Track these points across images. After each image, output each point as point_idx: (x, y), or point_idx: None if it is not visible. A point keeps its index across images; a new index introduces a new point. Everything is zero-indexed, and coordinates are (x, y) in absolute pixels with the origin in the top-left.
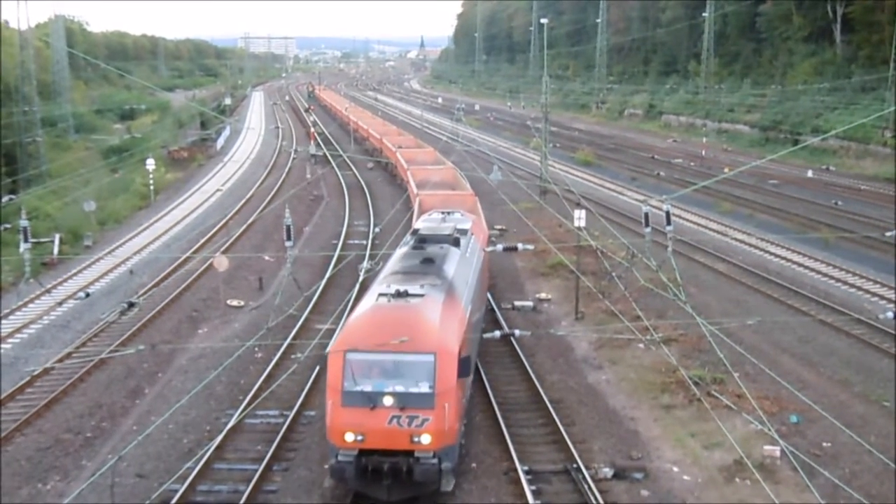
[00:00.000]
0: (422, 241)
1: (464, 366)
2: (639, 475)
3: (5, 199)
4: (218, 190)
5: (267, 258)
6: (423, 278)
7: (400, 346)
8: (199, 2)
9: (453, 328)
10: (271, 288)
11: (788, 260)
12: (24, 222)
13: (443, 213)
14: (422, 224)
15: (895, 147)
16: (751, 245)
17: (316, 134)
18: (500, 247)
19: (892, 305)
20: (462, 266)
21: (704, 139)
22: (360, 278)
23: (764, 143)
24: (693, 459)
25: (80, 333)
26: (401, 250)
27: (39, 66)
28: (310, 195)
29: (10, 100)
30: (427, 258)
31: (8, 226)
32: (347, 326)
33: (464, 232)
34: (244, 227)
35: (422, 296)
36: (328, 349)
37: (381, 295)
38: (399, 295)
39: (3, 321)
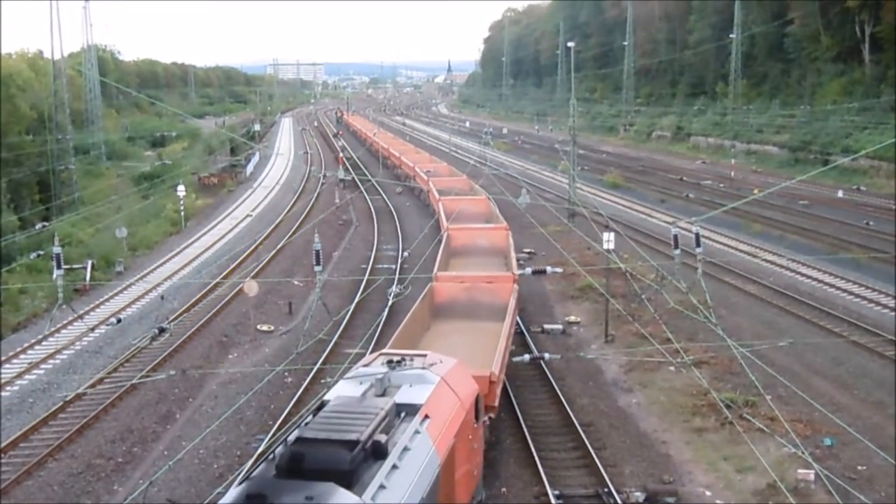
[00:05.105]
0: (290, 464)
1: None
2: (671, 499)
3: (38, 225)
4: (248, 215)
5: (296, 283)
6: None
7: None
8: (229, 29)
9: None
10: (301, 312)
11: (820, 281)
12: (56, 249)
13: (392, 361)
14: (342, 388)
15: None
16: (782, 266)
17: (344, 159)
18: (529, 270)
19: None
20: None
21: (733, 160)
22: (389, 302)
23: (793, 164)
24: (726, 483)
25: (112, 359)
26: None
27: (72, 95)
28: (339, 220)
29: (44, 128)
30: None
31: (41, 252)
32: None
33: (411, 411)
34: (274, 251)
35: None
36: None
37: None
38: None
39: (37, 346)
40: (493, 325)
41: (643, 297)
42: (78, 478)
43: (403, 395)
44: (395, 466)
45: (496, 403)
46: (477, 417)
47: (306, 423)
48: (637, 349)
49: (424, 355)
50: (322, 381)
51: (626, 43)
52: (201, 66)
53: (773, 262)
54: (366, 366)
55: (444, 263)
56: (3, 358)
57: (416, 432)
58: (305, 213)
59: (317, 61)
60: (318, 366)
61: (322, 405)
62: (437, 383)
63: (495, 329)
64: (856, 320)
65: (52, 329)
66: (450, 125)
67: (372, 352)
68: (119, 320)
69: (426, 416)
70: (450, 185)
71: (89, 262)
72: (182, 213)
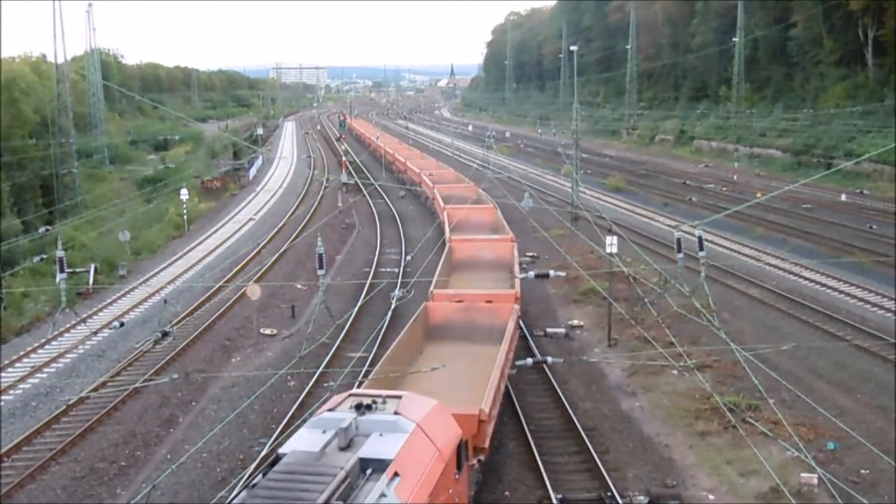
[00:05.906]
0: None
1: None
2: (674, 503)
3: (41, 229)
4: (250, 219)
5: (299, 287)
6: None
7: None
8: (232, 33)
9: None
10: (304, 316)
11: (823, 284)
12: (60, 253)
13: (361, 405)
14: (302, 437)
15: None
16: (785, 270)
17: (347, 163)
18: (532, 274)
19: None
20: None
21: (736, 164)
22: (392, 306)
23: (796, 168)
24: (729, 487)
25: (115, 363)
26: None
27: (76, 99)
28: (341, 223)
29: (47, 132)
30: None
31: (44, 256)
32: None
33: (378, 467)
34: (277, 255)
35: None
36: None
37: None
38: None
39: (40, 350)
40: (491, 348)
41: (646, 300)
42: (81, 481)
43: (370, 448)
44: None
45: (486, 444)
46: (459, 467)
47: (254, 486)
48: (640, 353)
49: (399, 397)
50: (325, 384)
51: (629, 46)
52: (204, 70)
53: (776, 266)
54: (331, 410)
55: (445, 277)
56: (6, 361)
57: (382, 496)
58: (308, 216)
59: (320, 65)
60: (320, 369)
61: (276, 460)
62: (412, 432)
63: (493, 354)
64: (859, 324)
65: (55, 332)
66: (453, 129)
67: (373, 357)
68: (122, 324)
69: (395, 474)
70: (456, 191)
71: (92, 266)
72: (185, 217)
